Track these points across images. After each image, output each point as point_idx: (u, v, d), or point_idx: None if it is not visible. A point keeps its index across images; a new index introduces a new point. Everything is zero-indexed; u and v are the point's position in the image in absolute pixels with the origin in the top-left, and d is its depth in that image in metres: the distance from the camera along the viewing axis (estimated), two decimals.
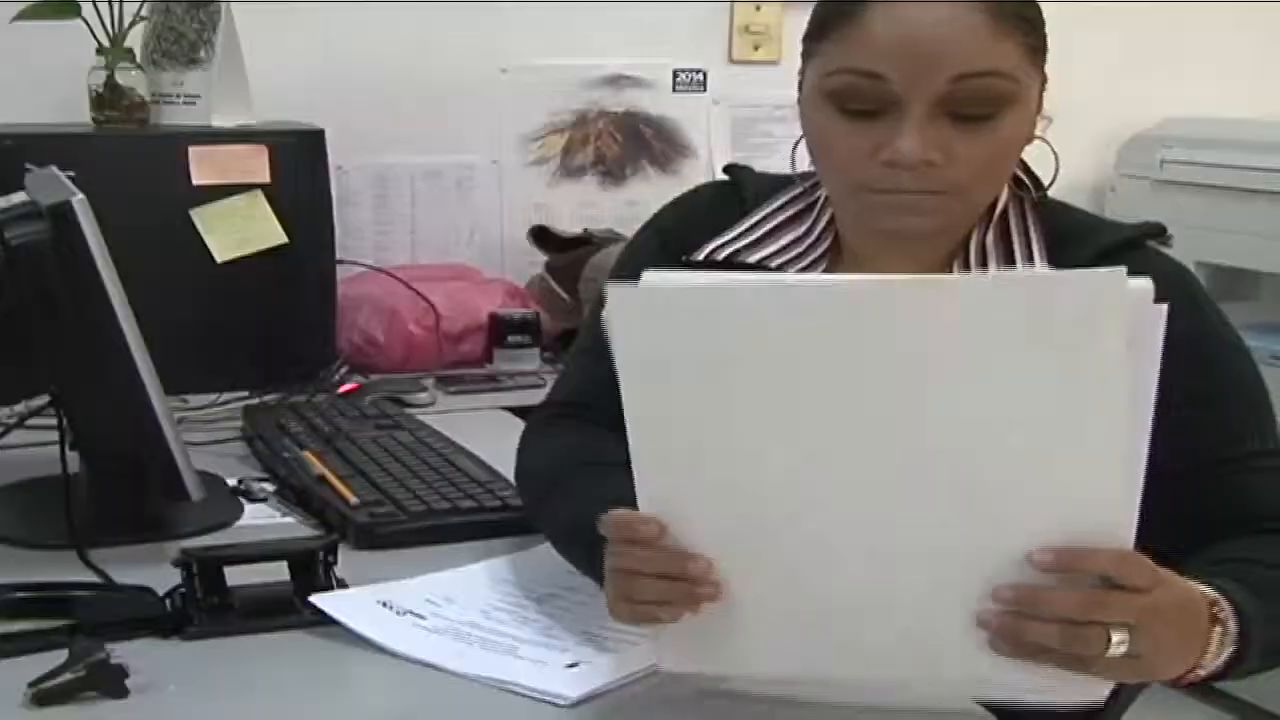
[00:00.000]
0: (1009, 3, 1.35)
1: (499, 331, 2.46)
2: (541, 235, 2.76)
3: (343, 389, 2.20)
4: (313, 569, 1.39)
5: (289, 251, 2.22)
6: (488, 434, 1.92)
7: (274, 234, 2.21)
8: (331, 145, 2.29)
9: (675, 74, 2.94)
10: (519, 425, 1.88)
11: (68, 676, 1.17)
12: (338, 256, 2.36)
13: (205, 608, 1.33)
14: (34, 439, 1.66)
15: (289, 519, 1.65)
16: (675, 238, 1.57)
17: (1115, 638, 1.04)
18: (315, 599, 1.35)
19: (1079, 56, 3.29)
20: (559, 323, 2.58)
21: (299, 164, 2.25)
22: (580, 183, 2.92)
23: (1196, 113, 3.29)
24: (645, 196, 2.89)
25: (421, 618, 1.36)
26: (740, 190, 1.57)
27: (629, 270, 1.66)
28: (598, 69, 2.89)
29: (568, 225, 2.81)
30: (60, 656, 1.19)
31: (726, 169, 1.62)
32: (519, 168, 2.86)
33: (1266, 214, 2.98)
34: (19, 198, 1.49)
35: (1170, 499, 1.35)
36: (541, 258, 2.74)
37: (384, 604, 1.38)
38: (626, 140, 2.92)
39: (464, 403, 2.26)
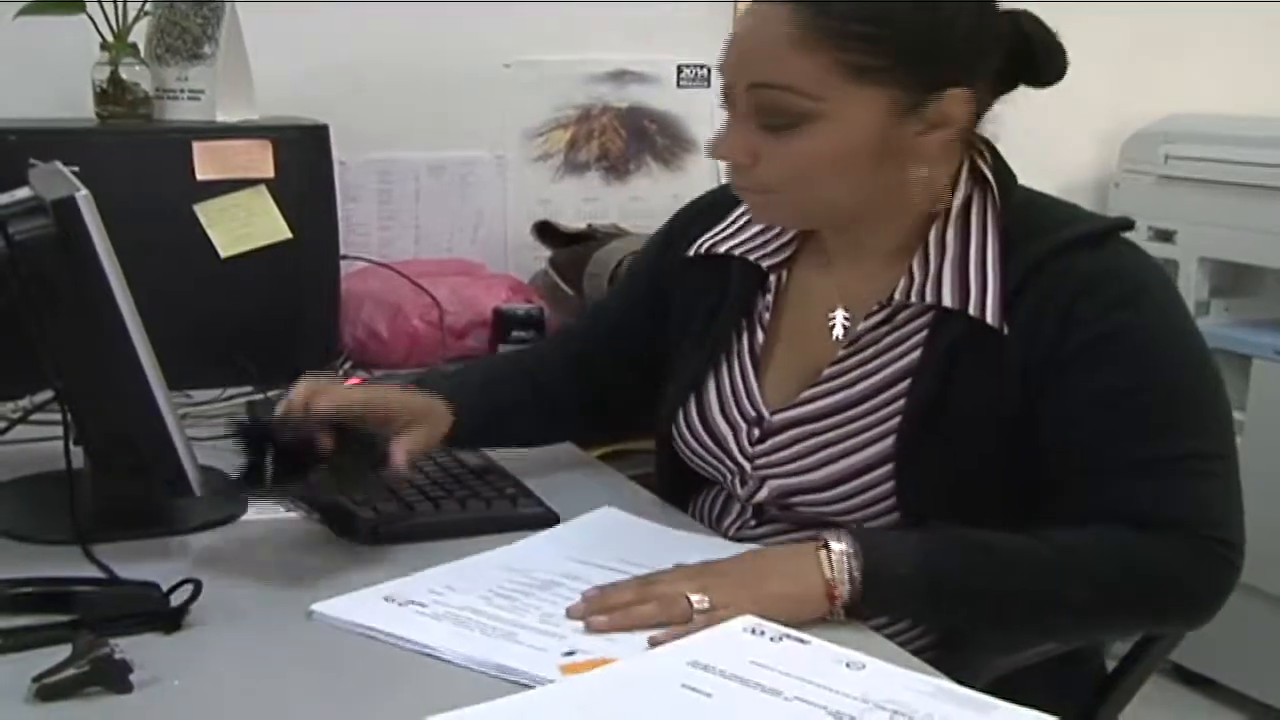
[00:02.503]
0: (825, 17, 1.37)
1: (503, 327, 2.46)
2: (545, 230, 2.76)
3: (346, 384, 2.20)
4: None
5: (293, 247, 2.22)
6: None
7: (278, 229, 2.21)
8: (335, 140, 2.29)
9: (679, 69, 2.94)
10: None
11: (71, 671, 1.17)
12: (341, 252, 2.36)
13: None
14: (38, 434, 1.67)
15: (293, 514, 1.65)
16: (677, 235, 1.71)
17: (695, 599, 1.30)
18: (317, 607, 1.35)
19: (1082, 52, 3.29)
20: (563, 318, 2.58)
21: (303, 159, 2.25)
22: (584, 178, 2.91)
23: (1200, 108, 3.29)
24: (649, 192, 2.90)
25: (423, 605, 1.36)
26: None
27: (632, 267, 1.77)
28: (602, 64, 2.88)
29: (571, 220, 2.81)
30: (64, 651, 1.19)
31: None
32: (523, 163, 2.86)
33: (1271, 210, 2.97)
34: (23, 193, 1.48)
35: (1081, 492, 1.39)
36: (545, 253, 2.74)
37: (388, 599, 1.38)
38: (630, 135, 2.92)
39: None
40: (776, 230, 1.61)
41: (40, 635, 1.26)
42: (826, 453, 1.52)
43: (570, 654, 1.26)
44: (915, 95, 1.40)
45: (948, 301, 1.45)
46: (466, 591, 1.39)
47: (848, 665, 1.21)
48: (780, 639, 1.25)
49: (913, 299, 1.48)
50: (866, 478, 1.49)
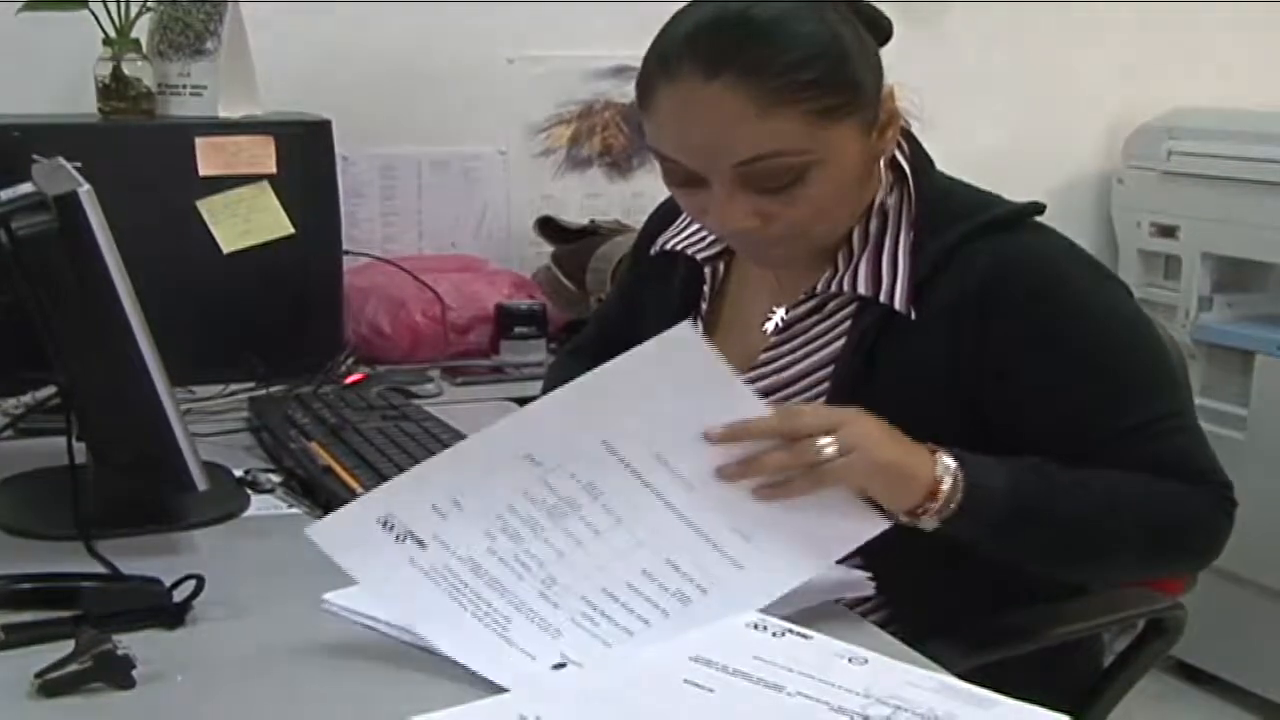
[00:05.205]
0: (778, 79, 1.39)
1: (505, 322, 2.46)
2: (548, 226, 2.76)
3: (349, 380, 2.20)
4: None
5: (295, 242, 2.22)
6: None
7: (280, 225, 2.21)
8: (338, 136, 2.29)
9: None
10: None
11: (74, 667, 1.17)
12: (344, 247, 2.36)
13: None
14: (41, 429, 1.67)
15: (295, 510, 1.65)
16: (648, 238, 1.77)
17: (822, 441, 1.29)
18: (310, 531, 1.27)
19: (1085, 47, 3.29)
20: (565, 314, 2.58)
21: (305, 154, 2.25)
22: (586, 174, 2.92)
23: (1204, 103, 3.28)
24: (651, 188, 2.87)
25: (421, 545, 1.27)
26: None
27: (621, 276, 1.88)
28: (604, 59, 2.88)
29: (574, 216, 2.81)
30: (67, 647, 1.19)
31: None
32: (526, 158, 2.86)
33: (1274, 205, 2.97)
34: (25, 188, 1.49)
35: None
36: (548, 249, 2.74)
37: (384, 523, 1.27)
38: (633, 131, 2.92)
39: (470, 394, 2.26)
40: None
41: (43, 631, 1.26)
42: None
43: (560, 666, 1.23)
44: (872, 110, 1.46)
45: (862, 290, 1.51)
46: (472, 516, 1.28)
47: (851, 660, 1.21)
48: (783, 634, 1.25)
49: (833, 289, 1.54)
50: None
